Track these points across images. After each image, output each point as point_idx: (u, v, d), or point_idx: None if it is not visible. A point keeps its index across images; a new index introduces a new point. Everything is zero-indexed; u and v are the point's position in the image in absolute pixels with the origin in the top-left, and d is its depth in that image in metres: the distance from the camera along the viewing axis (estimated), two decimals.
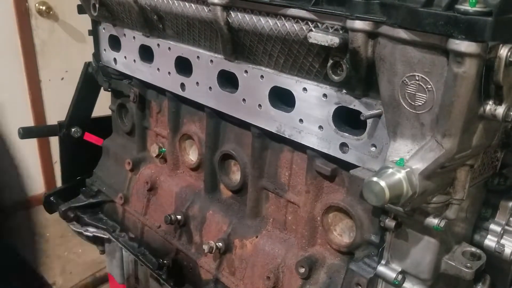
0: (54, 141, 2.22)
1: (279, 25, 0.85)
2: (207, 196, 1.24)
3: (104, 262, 1.79)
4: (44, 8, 2.79)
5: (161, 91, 1.30)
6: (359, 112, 0.81)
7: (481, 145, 0.72)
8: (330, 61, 0.81)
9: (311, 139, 0.92)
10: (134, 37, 1.30)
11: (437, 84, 0.66)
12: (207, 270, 1.21)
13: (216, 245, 1.13)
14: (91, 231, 1.55)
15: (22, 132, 1.55)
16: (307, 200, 0.99)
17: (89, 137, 1.59)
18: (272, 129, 0.99)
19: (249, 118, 1.04)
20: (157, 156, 1.37)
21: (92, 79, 1.51)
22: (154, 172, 1.38)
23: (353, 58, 0.75)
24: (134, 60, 1.32)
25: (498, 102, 0.66)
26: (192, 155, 1.31)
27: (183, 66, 1.17)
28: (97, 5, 1.31)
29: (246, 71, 1.00)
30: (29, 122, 2.94)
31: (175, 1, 1.06)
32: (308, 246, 1.01)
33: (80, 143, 1.59)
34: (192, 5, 1.02)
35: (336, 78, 0.81)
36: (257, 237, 1.10)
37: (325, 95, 0.87)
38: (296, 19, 0.82)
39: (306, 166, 0.98)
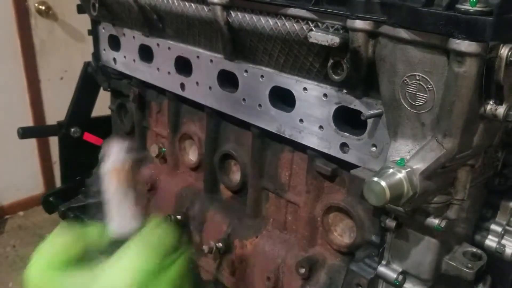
0: (54, 141, 2.22)
1: (279, 24, 0.85)
2: (207, 196, 1.24)
3: None
4: (43, 7, 2.79)
5: (161, 91, 1.30)
6: (359, 112, 0.81)
7: (482, 145, 0.72)
8: (331, 61, 0.81)
9: (312, 139, 0.92)
10: (133, 37, 1.30)
11: (437, 84, 0.65)
12: (207, 270, 1.21)
13: (216, 246, 1.13)
14: None
15: (21, 132, 1.54)
16: (308, 200, 0.99)
17: (89, 137, 1.59)
18: (272, 129, 0.99)
19: (249, 118, 1.03)
20: (157, 156, 1.37)
21: (91, 79, 1.51)
22: (154, 172, 1.38)
23: (353, 58, 0.75)
24: (134, 60, 1.32)
25: (499, 102, 0.66)
26: (192, 155, 1.30)
27: (183, 66, 1.17)
28: (96, 5, 1.31)
29: (246, 71, 1.00)
30: (29, 122, 2.94)
31: (175, 1, 1.06)
32: (309, 246, 1.01)
33: (80, 143, 1.58)
34: (192, 4, 1.02)
35: (336, 78, 0.81)
36: (257, 237, 1.10)
37: (325, 95, 0.87)
38: (297, 18, 0.82)
39: (307, 166, 0.97)
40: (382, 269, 0.86)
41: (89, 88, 1.55)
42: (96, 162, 1.63)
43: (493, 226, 0.89)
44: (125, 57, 1.36)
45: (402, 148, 0.72)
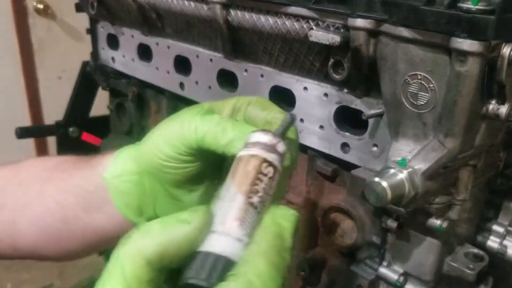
0: (52, 141, 2.22)
1: (279, 23, 0.85)
2: None
3: (102, 263, 1.78)
4: (41, 6, 2.78)
5: (160, 90, 1.30)
6: (360, 112, 0.80)
7: (484, 145, 0.72)
8: (331, 60, 0.81)
9: (312, 139, 0.91)
10: (132, 36, 1.29)
11: (439, 83, 0.65)
12: None
13: None
14: None
15: (19, 131, 1.54)
16: (308, 201, 0.98)
17: (87, 137, 1.58)
18: None
19: None
20: None
21: (90, 78, 1.50)
22: None
23: (354, 57, 0.75)
24: (133, 59, 1.31)
25: (501, 101, 0.66)
26: None
27: (182, 65, 1.16)
28: (95, 4, 1.30)
29: (246, 70, 1.00)
30: (27, 121, 2.93)
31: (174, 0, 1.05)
32: (309, 247, 1.01)
33: (78, 143, 1.58)
34: (192, 3, 1.01)
35: (337, 77, 0.81)
36: None
37: (326, 95, 0.86)
38: (297, 17, 0.81)
39: (307, 166, 0.97)
40: (383, 270, 0.85)
41: (87, 88, 1.54)
42: None
43: (495, 227, 0.88)
44: (124, 56, 1.35)
45: (404, 148, 0.72)
